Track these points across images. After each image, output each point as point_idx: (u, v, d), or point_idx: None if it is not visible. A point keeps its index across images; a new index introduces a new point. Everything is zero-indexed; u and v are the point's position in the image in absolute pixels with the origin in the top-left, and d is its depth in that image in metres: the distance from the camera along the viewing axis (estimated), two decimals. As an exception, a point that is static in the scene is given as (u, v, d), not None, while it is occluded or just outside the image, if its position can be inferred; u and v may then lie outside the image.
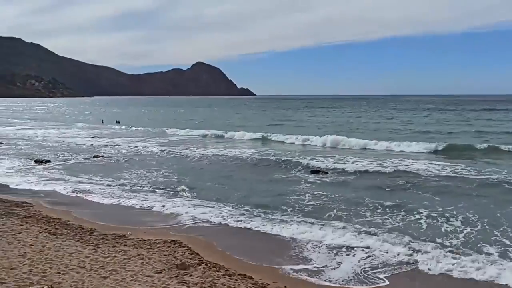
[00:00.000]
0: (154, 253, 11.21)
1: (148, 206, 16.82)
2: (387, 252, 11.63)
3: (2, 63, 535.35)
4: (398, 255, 11.43)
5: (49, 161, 28.24)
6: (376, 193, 18.72)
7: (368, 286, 9.91)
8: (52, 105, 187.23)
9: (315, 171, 23.60)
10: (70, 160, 29.20)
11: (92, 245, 11.69)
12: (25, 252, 10.74)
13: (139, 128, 56.84)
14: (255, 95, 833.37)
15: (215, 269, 10.28)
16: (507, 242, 12.34)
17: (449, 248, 11.88)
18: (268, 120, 76.23)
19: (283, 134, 42.78)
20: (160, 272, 9.83)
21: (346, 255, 11.66)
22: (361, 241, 12.40)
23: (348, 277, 10.33)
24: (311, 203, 17.07)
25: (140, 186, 20.51)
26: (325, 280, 10.19)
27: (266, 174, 23.89)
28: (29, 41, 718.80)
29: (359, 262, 11.19)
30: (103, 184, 21.05)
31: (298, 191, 19.28)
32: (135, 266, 10.18)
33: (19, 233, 12.46)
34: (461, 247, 11.97)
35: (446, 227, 13.80)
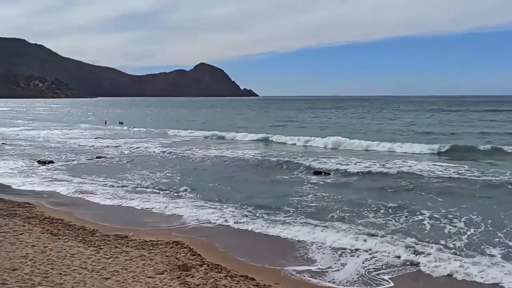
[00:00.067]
0: (156, 254, 11.19)
1: (151, 207, 16.80)
2: (391, 254, 11.57)
3: (5, 64, 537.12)
4: (402, 256, 11.37)
5: (52, 161, 28.29)
6: (379, 194, 18.66)
7: (372, 287, 9.89)
8: (55, 106, 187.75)
9: (317, 172, 23.56)
10: (73, 160, 29.23)
11: (94, 246, 11.68)
12: (27, 253, 10.74)
13: (141, 129, 56.90)
14: (258, 96, 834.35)
15: (217, 270, 10.25)
16: (511, 243, 12.28)
17: (453, 250, 11.83)
18: (270, 121, 76.21)
19: (285, 135, 42.73)
20: (162, 273, 9.81)
21: (350, 256, 11.61)
22: (364, 243, 12.34)
23: (353, 278, 10.29)
24: (313, 204, 17.03)
25: (143, 187, 20.50)
26: (329, 282, 10.15)
27: (268, 175, 23.85)
28: (33, 42, 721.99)
29: (363, 263, 11.14)
30: (105, 185, 21.06)
31: (301, 192, 19.24)
32: (137, 267, 10.16)
33: (22, 234, 12.46)
34: (464, 249, 11.91)
35: (450, 229, 13.73)
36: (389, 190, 19.43)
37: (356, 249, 11.98)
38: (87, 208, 16.82)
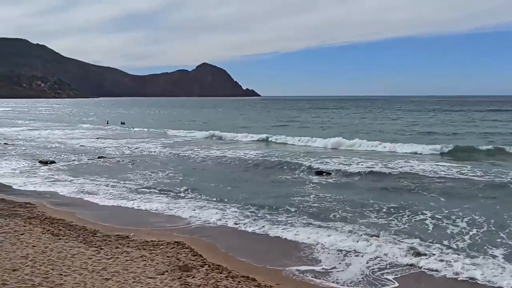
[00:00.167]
0: (157, 255, 11.15)
1: (152, 207, 16.76)
2: (394, 254, 11.51)
3: (8, 64, 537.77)
4: (405, 257, 11.33)
5: (54, 161, 28.27)
6: (381, 194, 18.60)
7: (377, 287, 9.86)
8: (57, 106, 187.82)
9: (319, 172, 23.50)
10: (75, 161, 29.22)
11: (95, 246, 11.64)
12: (27, 253, 10.71)
13: (143, 129, 56.90)
14: (260, 96, 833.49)
15: (218, 271, 10.21)
16: (514, 244, 12.22)
17: (455, 250, 11.78)
18: (272, 121, 76.16)
19: (287, 135, 42.64)
20: (163, 274, 9.76)
21: (354, 257, 11.56)
22: (367, 243, 12.28)
23: (357, 278, 10.26)
24: (315, 204, 16.97)
25: (144, 187, 20.47)
26: (333, 282, 10.12)
27: (270, 175, 23.80)
28: (35, 42, 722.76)
29: (367, 263, 11.11)
30: (107, 185, 21.03)
31: (303, 192, 19.19)
32: (138, 267, 10.12)
33: (22, 234, 12.44)
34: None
35: (452, 229, 13.67)
36: (391, 190, 19.37)
37: (359, 250, 11.92)
38: (89, 209, 16.79)
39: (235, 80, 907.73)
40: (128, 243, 12.14)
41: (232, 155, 31.03)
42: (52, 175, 23.78)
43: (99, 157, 30.51)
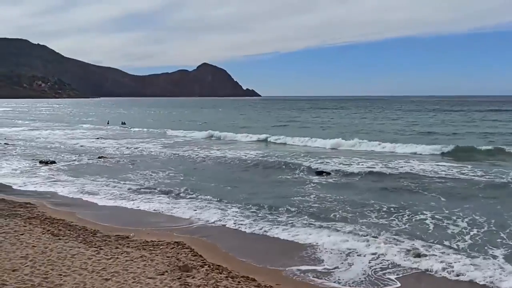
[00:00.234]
0: (157, 255, 11.14)
1: (152, 208, 16.75)
2: (396, 254, 11.49)
3: (8, 64, 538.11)
4: (407, 257, 11.32)
5: (54, 162, 28.26)
6: (382, 194, 18.59)
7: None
8: (57, 106, 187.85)
9: (319, 173, 23.48)
10: (75, 161, 29.21)
11: (94, 247, 11.63)
12: (27, 254, 10.70)
13: (143, 129, 56.91)
14: (260, 96, 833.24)
15: (218, 271, 10.19)
16: (515, 244, 12.21)
17: (456, 251, 11.76)
18: (273, 121, 76.17)
19: (287, 135, 42.65)
20: (163, 274, 9.75)
21: (355, 257, 11.53)
22: (368, 244, 12.27)
23: (359, 278, 10.25)
24: (316, 204, 16.95)
25: (145, 187, 20.45)
26: (334, 282, 10.12)
27: (270, 175, 23.79)
28: (35, 42, 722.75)
29: (369, 263, 11.10)
30: (107, 185, 21.01)
31: (303, 192, 19.18)
32: (138, 268, 10.11)
33: (22, 234, 12.43)
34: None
35: (453, 229, 13.66)
36: (391, 191, 19.36)
37: (361, 250, 11.89)
38: (89, 209, 16.79)
39: (235, 80, 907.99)
40: (128, 243, 12.13)
41: (232, 155, 31.02)
42: (53, 175, 23.76)
43: (99, 157, 30.50)
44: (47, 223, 13.97)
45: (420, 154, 30.56)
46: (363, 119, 79.58)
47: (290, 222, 14.59)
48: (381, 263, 11.10)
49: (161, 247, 11.90)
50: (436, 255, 11.35)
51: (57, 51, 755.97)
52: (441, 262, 10.89)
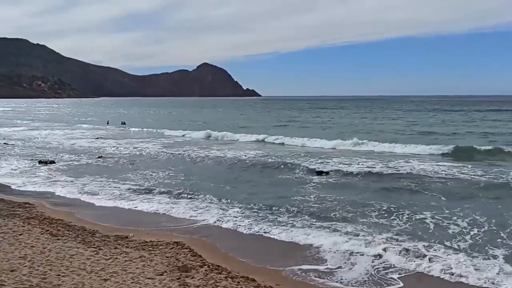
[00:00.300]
0: (156, 255, 11.09)
1: (152, 208, 16.70)
2: (397, 254, 11.46)
3: (8, 64, 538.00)
4: (409, 256, 11.28)
5: (53, 161, 28.22)
6: (382, 194, 18.54)
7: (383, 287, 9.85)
8: (56, 106, 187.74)
9: (319, 173, 23.42)
10: (75, 161, 29.15)
11: (93, 247, 11.57)
12: (26, 254, 10.65)
13: (143, 129, 56.85)
14: (260, 96, 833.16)
15: (217, 271, 10.14)
16: (516, 244, 12.17)
17: (457, 251, 11.72)
18: (273, 121, 76.15)
19: (287, 135, 42.62)
20: (162, 275, 9.70)
21: (356, 257, 11.49)
22: (369, 243, 12.23)
23: (362, 278, 10.23)
24: (316, 204, 16.90)
25: (144, 187, 20.38)
26: (337, 282, 10.10)
27: (270, 175, 23.75)
28: (35, 42, 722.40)
29: (372, 263, 11.08)
30: (107, 185, 20.95)
31: (303, 192, 19.13)
32: (137, 268, 10.05)
33: (21, 235, 12.37)
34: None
35: (454, 229, 13.62)
36: (392, 190, 19.31)
37: (361, 250, 11.84)
38: (88, 209, 16.74)
39: (235, 80, 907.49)
40: (127, 244, 12.08)
41: (232, 155, 30.98)
42: (52, 175, 23.72)
43: (99, 157, 30.46)
44: (46, 223, 13.91)
45: (420, 154, 30.51)
46: (363, 119, 79.57)
47: (290, 222, 14.53)
48: (383, 263, 11.07)
49: (160, 247, 11.85)
50: (437, 256, 11.31)
51: (57, 51, 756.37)
52: (442, 262, 10.86)
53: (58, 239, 12.13)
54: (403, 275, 10.39)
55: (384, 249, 11.74)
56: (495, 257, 11.27)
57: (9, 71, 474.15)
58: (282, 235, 13.24)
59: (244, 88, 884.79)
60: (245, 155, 30.66)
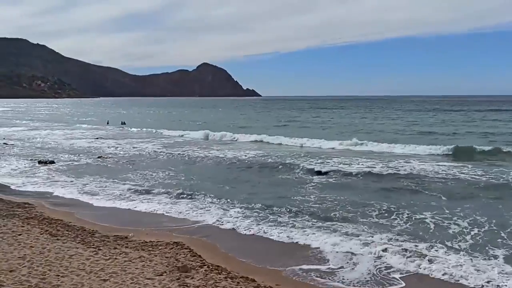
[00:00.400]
0: (156, 255, 11.05)
1: (151, 208, 16.67)
2: (399, 254, 11.43)
3: (8, 64, 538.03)
4: (410, 256, 11.25)
5: (53, 162, 28.18)
6: (382, 194, 18.51)
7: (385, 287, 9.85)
8: (56, 106, 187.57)
9: (319, 173, 23.39)
10: (74, 161, 29.12)
11: (93, 247, 11.54)
12: (25, 254, 10.61)
13: (143, 129, 56.76)
14: (260, 96, 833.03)
15: (217, 271, 10.10)
16: (516, 244, 12.15)
17: (458, 251, 11.70)
18: (273, 121, 76.10)
19: (287, 135, 42.54)
20: (161, 275, 9.66)
21: (357, 257, 11.46)
22: (370, 243, 12.21)
23: (365, 278, 10.22)
24: (316, 205, 16.86)
25: (144, 188, 20.33)
26: (338, 282, 10.07)
27: (270, 175, 23.72)
28: (35, 42, 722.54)
29: (374, 263, 11.06)
30: (106, 185, 20.91)
31: (303, 192, 19.10)
32: (136, 268, 10.02)
33: (20, 235, 12.34)
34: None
35: (454, 229, 13.60)
36: (392, 190, 19.28)
37: (362, 250, 11.80)
38: (87, 209, 16.71)
39: (235, 80, 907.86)
40: (127, 244, 12.04)
41: (232, 155, 30.95)
42: (51, 175, 23.68)
43: (98, 157, 30.43)
44: (45, 224, 13.88)
45: (420, 154, 30.46)
46: (363, 119, 79.53)
47: (290, 222, 14.49)
48: (385, 262, 11.05)
49: (160, 247, 11.81)
50: (438, 256, 11.30)
51: (57, 51, 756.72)
52: (443, 262, 10.84)
53: (57, 239, 12.09)
54: (404, 275, 10.37)
55: (385, 249, 11.71)
56: (495, 257, 11.26)
57: (9, 71, 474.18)
58: (282, 235, 13.20)
59: (244, 88, 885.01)
60: (245, 155, 30.62)
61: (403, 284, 9.92)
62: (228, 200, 17.59)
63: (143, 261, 10.57)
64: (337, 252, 11.80)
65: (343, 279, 10.20)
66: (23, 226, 13.31)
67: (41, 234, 12.58)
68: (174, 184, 21.04)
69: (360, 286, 9.85)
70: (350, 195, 18.39)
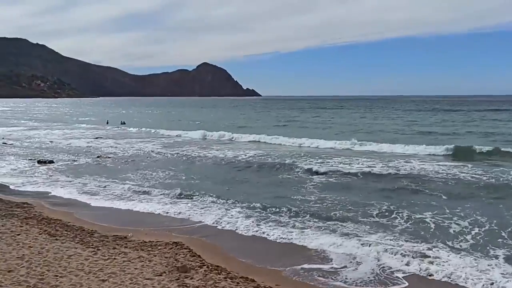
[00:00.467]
0: (155, 255, 11.00)
1: (151, 208, 16.60)
2: (401, 254, 11.38)
3: (7, 64, 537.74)
4: (410, 257, 11.21)
5: (52, 161, 28.14)
6: (382, 194, 18.47)
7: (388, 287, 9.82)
8: (55, 105, 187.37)
9: (319, 173, 23.33)
10: (74, 161, 29.06)
11: (92, 247, 11.48)
12: (23, 254, 10.56)
13: (143, 129, 56.68)
14: (260, 95, 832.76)
15: (216, 272, 10.05)
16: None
17: (459, 250, 11.66)
18: (272, 121, 76.08)
19: (287, 135, 42.48)
20: (161, 275, 9.61)
21: (358, 256, 11.42)
22: (371, 243, 12.15)
23: (368, 278, 10.19)
24: (317, 205, 16.81)
25: (143, 187, 20.28)
26: (340, 282, 10.05)
27: (270, 175, 23.67)
28: (35, 42, 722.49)
29: (374, 262, 11.03)
30: (106, 185, 20.84)
31: (304, 192, 19.05)
32: (135, 268, 9.97)
33: (19, 235, 12.28)
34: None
35: (455, 229, 13.58)
36: (392, 190, 19.23)
37: (363, 250, 11.75)
38: (87, 209, 16.66)
39: (235, 80, 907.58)
40: (126, 244, 11.99)
41: (232, 155, 30.90)
42: (51, 175, 23.63)
43: (98, 157, 30.38)
44: (44, 223, 13.82)
45: (420, 154, 30.41)
46: (363, 118, 79.52)
47: (290, 222, 14.45)
48: (386, 262, 11.01)
49: (159, 247, 11.76)
50: (439, 256, 11.27)
51: (56, 51, 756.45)
52: (444, 262, 10.81)
53: (56, 239, 12.04)
54: (407, 274, 10.33)
55: (386, 249, 11.65)
56: (496, 257, 11.25)
57: (8, 71, 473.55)
58: (282, 235, 13.14)
59: (244, 88, 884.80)
60: (245, 155, 30.57)
61: (406, 284, 9.89)
62: (228, 200, 17.53)
63: (142, 261, 10.52)
64: (338, 252, 11.75)
65: (346, 278, 10.17)
66: (21, 226, 13.26)
67: (40, 234, 12.52)
68: (174, 184, 20.98)
69: (363, 286, 9.81)
70: (350, 195, 18.34)
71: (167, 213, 15.89)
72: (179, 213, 15.80)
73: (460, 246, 12.10)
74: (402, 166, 24.96)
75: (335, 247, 12.03)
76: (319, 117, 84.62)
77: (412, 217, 14.91)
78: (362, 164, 25.69)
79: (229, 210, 16.00)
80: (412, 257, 11.17)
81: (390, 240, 12.52)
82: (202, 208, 16.27)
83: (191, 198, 18.03)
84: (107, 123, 70.01)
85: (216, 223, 14.55)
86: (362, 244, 12.08)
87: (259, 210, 16.00)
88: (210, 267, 10.32)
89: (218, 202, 17.28)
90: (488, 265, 10.66)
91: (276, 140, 40.28)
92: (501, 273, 10.15)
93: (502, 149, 30.36)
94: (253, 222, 14.47)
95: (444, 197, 17.75)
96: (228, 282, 9.47)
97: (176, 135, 48.52)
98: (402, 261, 10.99)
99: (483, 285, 9.72)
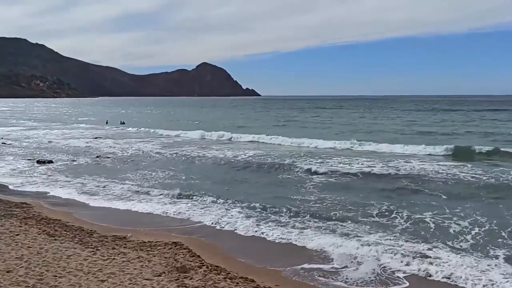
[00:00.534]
0: (154, 256, 10.97)
1: (150, 208, 16.56)
2: (402, 254, 11.35)
3: (7, 63, 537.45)
4: (413, 256, 11.18)
5: (51, 161, 28.10)
6: (382, 194, 18.43)
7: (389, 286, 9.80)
8: (54, 105, 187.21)
9: (319, 173, 23.29)
10: (73, 160, 29.02)
11: (91, 247, 11.45)
12: (22, 254, 10.52)
13: (142, 129, 56.62)
14: (260, 95, 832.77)
15: (216, 272, 10.02)
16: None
17: (459, 250, 11.64)
18: (272, 120, 76.05)
19: (286, 135, 42.41)
20: (160, 275, 9.58)
21: (358, 256, 11.40)
22: (370, 243, 12.13)
23: (369, 277, 10.17)
24: (317, 205, 16.78)
25: (143, 187, 20.25)
26: (341, 282, 10.03)
27: (269, 175, 23.63)
28: (34, 42, 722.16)
29: (375, 262, 11.01)
30: (105, 185, 20.81)
31: (303, 192, 19.02)
32: (134, 269, 9.93)
33: (18, 235, 12.24)
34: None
35: (455, 228, 13.55)
36: (392, 190, 19.20)
37: (363, 250, 11.72)
38: (86, 209, 16.63)
39: (235, 79, 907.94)
40: (125, 244, 11.96)
41: (231, 155, 30.86)
42: (50, 175, 23.59)
43: (97, 157, 30.33)
44: (43, 224, 13.78)
45: (420, 154, 30.38)
46: (363, 118, 79.49)
47: (290, 222, 14.42)
48: (386, 262, 10.98)
49: (158, 247, 11.73)
50: (439, 256, 11.24)
51: (56, 51, 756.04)
52: (444, 262, 10.79)
53: (55, 240, 12.01)
54: (408, 274, 10.31)
55: (386, 250, 11.62)
56: (496, 257, 11.23)
57: (8, 71, 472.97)
58: (282, 236, 13.11)
59: (244, 87, 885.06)
60: (244, 155, 30.53)
61: (407, 284, 9.87)
62: (228, 200, 17.49)
63: (142, 261, 10.49)
64: (339, 252, 11.72)
65: (346, 278, 10.14)
66: (21, 226, 13.22)
67: (39, 234, 12.49)
68: (173, 184, 20.94)
69: (365, 286, 9.78)
70: (350, 195, 18.31)
71: (167, 213, 15.86)
72: (179, 213, 15.77)
73: (460, 246, 12.08)
74: (402, 166, 24.94)
75: (335, 247, 11.99)
76: (319, 117, 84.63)
77: (412, 217, 14.89)
78: (361, 164, 25.66)
79: (229, 210, 15.97)
80: (412, 257, 11.14)
81: (390, 240, 12.51)
82: (201, 208, 16.24)
83: (191, 198, 17.99)
84: (106, 123, 69.93)
85: (216, 223, 14.52)
86: (362, 244, 12.04)
87: (259, 210, 15.97)
88: (210, 267, 10.29)
89: (218, 202, 17.25)
90: (488, 265, 10.63)
91: (276, 140, 40.21)
92: (501, 274, 10.11)
93: (502, 149, 30.35)
94: (252, 222, 14.44)
95: (444, 197, 17.73)
96: (227, 283, 9.43)
97: (176, 135, 48.45)
98: (402, 261, 10.95)
99: (483, 285, 9.69)
